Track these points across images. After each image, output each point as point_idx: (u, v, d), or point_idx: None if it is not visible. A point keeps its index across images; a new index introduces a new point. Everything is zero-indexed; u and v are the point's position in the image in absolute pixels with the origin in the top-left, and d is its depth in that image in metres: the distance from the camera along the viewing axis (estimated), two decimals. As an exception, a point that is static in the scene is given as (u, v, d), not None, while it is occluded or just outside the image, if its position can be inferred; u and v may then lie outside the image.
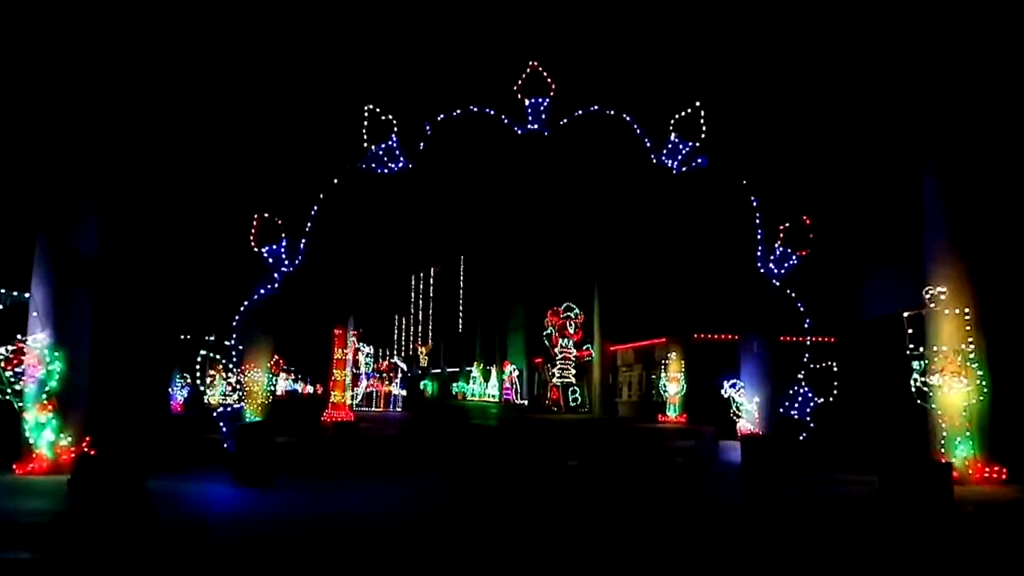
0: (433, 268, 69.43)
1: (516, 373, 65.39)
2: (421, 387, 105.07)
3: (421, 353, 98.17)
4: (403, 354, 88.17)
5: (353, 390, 47.97)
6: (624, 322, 45.32)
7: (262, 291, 15.17)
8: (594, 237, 44.35)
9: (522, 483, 15.24)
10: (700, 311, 37.66)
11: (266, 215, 14.69)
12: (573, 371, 46.76)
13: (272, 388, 25.09)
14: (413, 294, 70.56)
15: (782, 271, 15.62)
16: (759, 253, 15.58)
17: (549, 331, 47.09)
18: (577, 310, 46.80)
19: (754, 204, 15.41)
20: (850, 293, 26.52)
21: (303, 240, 14.70)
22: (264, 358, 25.23)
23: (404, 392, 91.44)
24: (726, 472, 17.93)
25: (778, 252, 15.50)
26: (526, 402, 63.02)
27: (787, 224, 15.42)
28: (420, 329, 77.42)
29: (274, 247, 14.61)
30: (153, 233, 15.75)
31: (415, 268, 65.49)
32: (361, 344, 45.78)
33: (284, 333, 40.51)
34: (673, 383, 36.25)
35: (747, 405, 24.85)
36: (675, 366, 36.37)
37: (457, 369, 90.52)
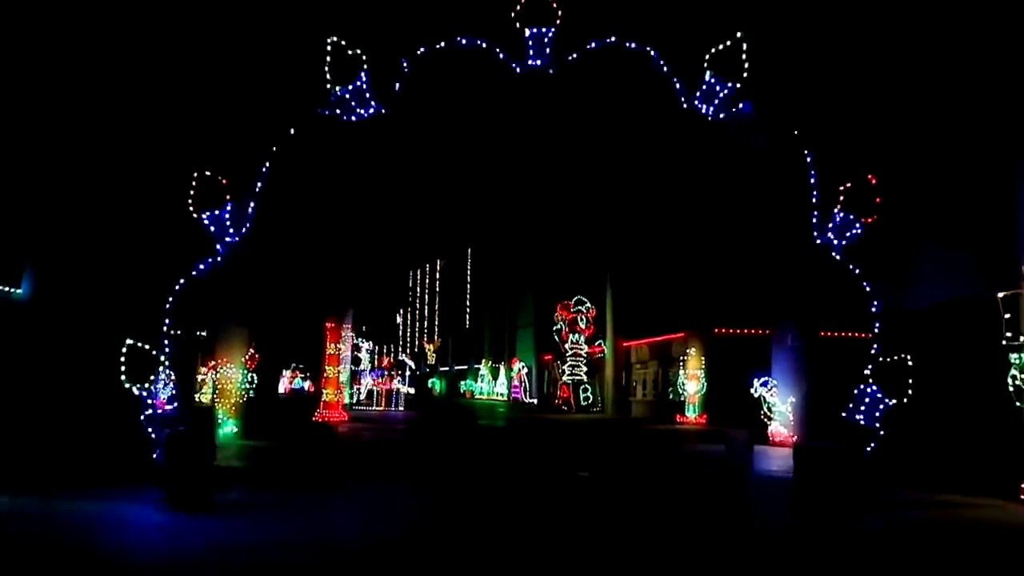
0: (439, 261, 66.43)
1: (525, 371, 62.48)
2: (429, 385, 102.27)
3: (428, 350, 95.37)
4: (408, 351, 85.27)
5: (353, 388, 45.18)
6: (639, 316, 42.27)
7: (202, 267, 12.18)
8: (607, 221, 41.35)
9: (524, 501, 12.32)
10: (722, 303, 34.56)
11: (207, 173, 11.75)
12: (584, 368, 43.76)
13: (249, 384, 22.27)
14: (419, 289, 67.13)
15: (843, 242, 12.56)
16: (815, 221, 12.49)
17: (559, 326, 44.09)
18: (588, 304, 43.81)
19: (808, 160, 12.36)
20: (896, 277, 23.43)
21: (252, 204, 11.74)
22: (238, 352, 22.43)
23: (412, 390, 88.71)
24: (765, 486, 14.90)
25: (838, 219, 12.46)
26: (535, 401, 60.15)
27: (849, 185, 12.39)
28: (426, 325, 74.17)
29: (216, 212, 11.66)
30: (75, 197, 12.88)
31: (419, 261, 62.31)
32: (361, 340, 42.93)
33: (275, 326, 37.57)
34: (692, 381, 33.20)
35: (780, 406, 21.80)
36: (694, 363, 33.31)
37: (465, 367, 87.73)
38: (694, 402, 33.08)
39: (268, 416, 26.35)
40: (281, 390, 55.66)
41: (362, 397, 57.58)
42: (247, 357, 21.41)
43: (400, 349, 78.27)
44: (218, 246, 11.83)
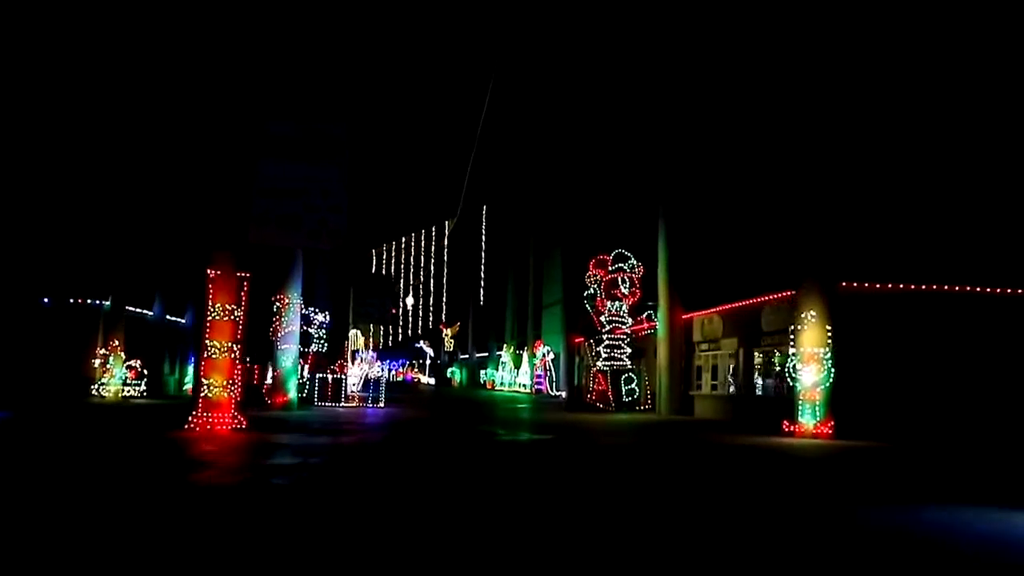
0: (447, 222, 52.73)
1: (551, 356, 49.49)
2: (449, 375, 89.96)
3: (446, 336, 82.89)
4: (409, 332, 72.21)
5: (305, 375, 32.59)
6: (707, 274, 29.09)
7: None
8: (658, 134, 28.20)
9: None
10: (860, 239, 21.38)
11: None
12: (628, 351, 30.59)
13: None
14: (422, 258, 53.64)
15: None
16: None
17: (592, 290, 30.91)
18: (633, 260, 30.60)
19: None
20: None
21: None
22: None
23: (433, 380, 75.81)
24: None
25: None
26: (563, 394, 47.24)
27: None
28: (432, 301, 60.50)
29: None
30: None
31: (421, 222, 48.85)
32: (312, 310, 30.15)
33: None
34: (810, 366, 19.93)
35: None
36: (813, 336, 20.04)
37: (486, 353, 75.08)
38: (813, 400, 19.82)
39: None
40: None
41: (353, 388, 45.75)
42: None
43: (402, 332, 65.15)
44: None
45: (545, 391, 49.38)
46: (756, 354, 25.45)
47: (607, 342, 30.31)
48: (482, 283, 61.47)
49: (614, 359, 30.15)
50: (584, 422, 25.58)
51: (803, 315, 20.14)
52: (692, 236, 29.51)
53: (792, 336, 20.40)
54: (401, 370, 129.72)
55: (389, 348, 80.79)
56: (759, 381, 25.13)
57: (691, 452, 16.67)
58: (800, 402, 19.99)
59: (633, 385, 30.09)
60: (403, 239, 48.76)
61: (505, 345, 65.02)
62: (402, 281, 51.80)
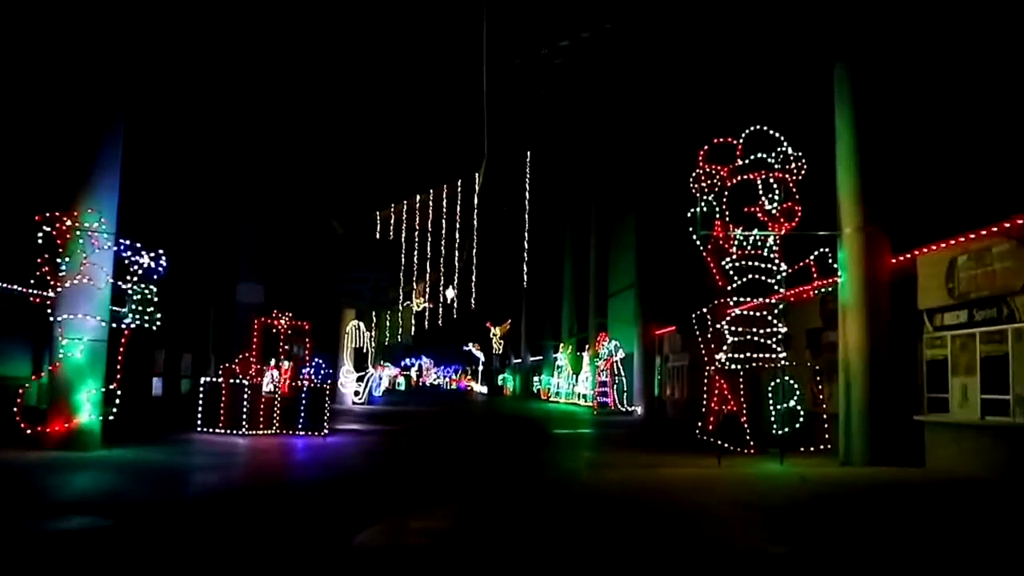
0: (477, 175, 36.97)
1: (620, 355, 33.18)
2: (500, 382, 74.49)
3: (494, 336, 67.45)
4: (460, 327, 56.47)
5: (212, 382, 17.28)
6: (951, 163, 12.72)
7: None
8: None
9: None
10: None
11: None
12: (781, 333, 14.01)
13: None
14: (445, 225, 38.05)
15: None
16: None
17: (703, 206, 14.34)
18: (789, 148, 14.13)
19: None
20: None
21: None
22: None
23: (485, 388, 60.90)
24: None
25: None
26: (637, 409, 31.06)
27: None
28: (457, 281, 44.95)
29: None
30: None
31: (437, 175, 33.05)
32: (135, 251, 14.51)
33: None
34: None
35: None
36: None
37: (540, 357, 59.26)
38: None
39: None
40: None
41: (355, 400, 31.18)
42: None
43: (447, 324, 49.38)
44: None
45: (611, 404, 33.23)
46: None
47: (735, 307, 13.99)
48: (526, 263, 45.53)
49: (757, 348, 13.75)
50: (706, 505, 9.50)
51: None
52: (911, 90, 13.15)
53: None
54: (455, 377, 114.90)
55: (431, 346, 66.15)
56: None
57: None
58: None
59: (793, 402, 13.70)
60: (418, 196, 33.87)
61: (562, 344, 49.08)
62: (413, 256, 37.11)
